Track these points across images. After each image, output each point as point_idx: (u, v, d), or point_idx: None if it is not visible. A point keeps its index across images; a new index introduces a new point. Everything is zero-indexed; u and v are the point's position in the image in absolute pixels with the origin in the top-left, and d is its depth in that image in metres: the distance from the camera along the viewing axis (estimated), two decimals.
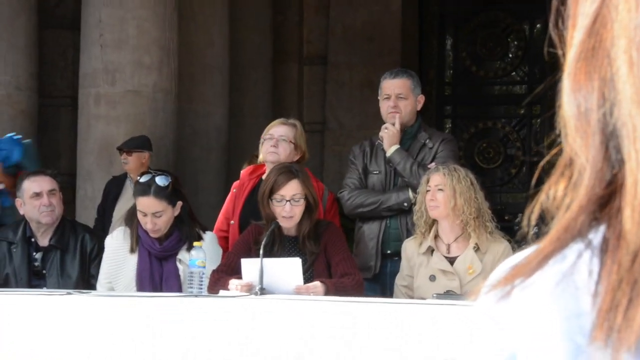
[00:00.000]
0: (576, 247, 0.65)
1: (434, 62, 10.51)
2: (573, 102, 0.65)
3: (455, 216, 4.24)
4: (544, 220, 0.68)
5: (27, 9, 7.24)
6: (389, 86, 4.86)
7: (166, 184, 4.42)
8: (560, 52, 0.68)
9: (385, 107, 4.85)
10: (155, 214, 4.37)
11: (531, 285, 0.67)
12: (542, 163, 0.72)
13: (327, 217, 4.70)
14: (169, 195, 4.41)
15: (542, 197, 0.67)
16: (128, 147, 6.43)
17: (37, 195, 4.74)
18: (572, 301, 0.65)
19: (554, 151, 0.68)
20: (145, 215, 4.38)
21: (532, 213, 0.68)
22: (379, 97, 4.95)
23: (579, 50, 0.65)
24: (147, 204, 4.38)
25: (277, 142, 4.76)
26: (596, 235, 0.65)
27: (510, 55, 10.80)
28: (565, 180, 0.66)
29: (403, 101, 4.83)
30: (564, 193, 0.66)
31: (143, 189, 4.42)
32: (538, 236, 0.72)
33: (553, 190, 0.66)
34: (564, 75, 0.67)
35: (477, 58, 10.68)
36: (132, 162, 6.41)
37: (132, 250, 4.46)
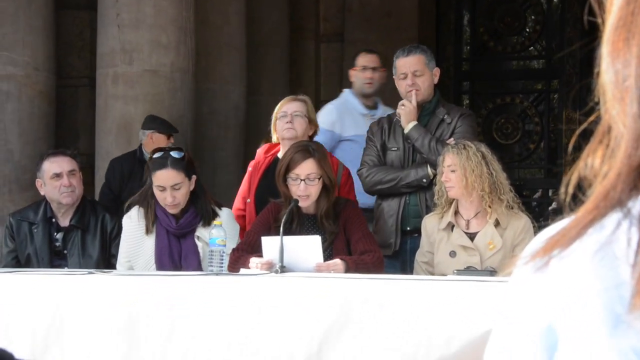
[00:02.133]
0: (615, 216, 0.65)
1: (451, 37, 10.45)
2: (611, 69, 0.65)
3: (468, 193, 4.23)
4: (580, 189, 0.68)
5: None
6: (403, 64, 4.82)
7: (182, 155, 4.45)
8: (599, 20, 0.67)
9: (403, 86, 4.82)
10: (174, 186, 4.38)
11: (569, 256, 0.67)
12: (578, 131, 0.70)
13: (342, 192, 4.69)
14: (186, 166, 4.44)
15: (580, 165, 0.66)
16: (171, 130, 6.44)
17: (57, 176, 4.76)
18: (611, 271, 0.64)
19: (591, 118, 0.67)
20: (163, 189, 4.38)
21: (570, 181, 0.68)
22: (393, 76, 4.92)
23: (618, 16, 0.64)
24: (166, 177, 4.38)
25: (292, 118, 4.76)
26: (635, 204, 0.64)
27: (528, 30, 10.71)
28: (603, 148, 0.65)
29: (420, 78, 4.81)
30: (601, 161, 0.65)
31: (160, 163, 4.43)
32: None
33: (591, 159, 0.66)
34: (603, 43, 0.66)
35: (495, 33, 10.61)
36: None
37: (147, 231, 4.47)
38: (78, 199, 4.82)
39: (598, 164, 0.65)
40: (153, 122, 6.48)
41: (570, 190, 0.68)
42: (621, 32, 0.64)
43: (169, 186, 4.37)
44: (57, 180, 4.76)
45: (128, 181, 6.45)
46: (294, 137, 4.70)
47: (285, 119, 4.76)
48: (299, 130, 4.76)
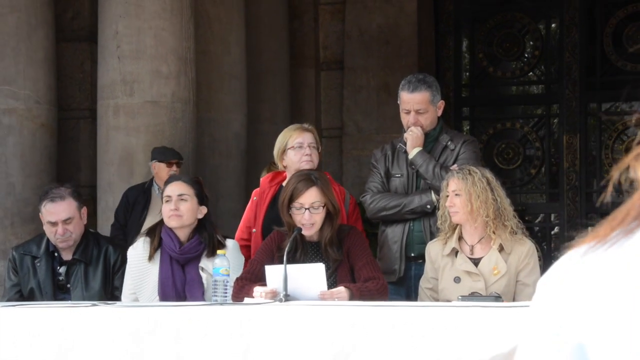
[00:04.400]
0: None
1: (450, 64, 10.48)
2: None
3: (473, 219, 4.23)
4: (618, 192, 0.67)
5: (44, 23, 7.27)
6: (407, 100, 4.79)
7: (193, 178, 4.67)
8: None
9: (405, 120, 4.83)
10: (181, 196, 4.43)
11: (598, 269, 0.66)
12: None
13: (350, 221, 4.69)
14: (196, 185, 4.53)
15: (618, 171, 0.66)
16: (175, 158, 6.48)
17: (52, 224, 4.73)
18: None
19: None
20: (169, 200, 4.43)
21: (608, 186, 0.67)
22: (398, 101, 4.92)
23: None
24: (174, 187, 4.49)
25: (310, 149, 4.75)
26: None
27: (527, 55, 10.74)
28: None
29: (423, 115, 4.79)
30: None
31: (173, 178, 4.66)
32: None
33: (633, 170, 0.65)
34: None
35: (494, 59, 10.63)
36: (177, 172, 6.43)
37: (149, 258, 4.48)
38: (76, 241, 4.79)
39: None
40: (153, 152, 6.53)
41: (609, 194, 0.67)
42: None
43: (175, 195, 4.42)
44: (53, 227, 4.74)
45: (132, 211, 6.49)
46: (312, 169, 4.70)
47: (303, 151, 4.74)
48: (316, 161, 4.78)
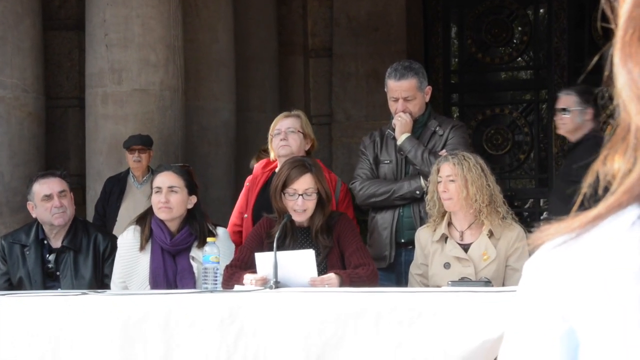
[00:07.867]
0: (634, 211, 0.64)
1: (439, 50, 10.48)
2: (623, 70, 0.65)
3: (468, 205, 4.22)
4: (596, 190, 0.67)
5: (31, 12, 7.24)
6: (395, 88, 4.79)
7: (184, 167, 4.62)
8: (612, 25, 0.67)
9: (393, 108, 4.82)
10: (171, 188, 4.42)
11: (585, 248, 0.66)
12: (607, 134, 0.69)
13: (341, 208, 4.69)
14: (186, 175, 4.51)
15: (599, 166, 0.66)
16: (137, 144, 6.46)
17: (48, 197, 4.73)
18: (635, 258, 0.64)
19: (620, 124, 0.66)
20: (159, 191, 4.42)
21: (589, 180, 0.67)
22: (385, 89, 4.92)
23: (628, 18, 0.64)
24: (164, 178, 4.47)
25: (285, 134, 4.75)
26: None
27: (515, 41, 10.76)
28: (622, 150, 0.65)
29: (411, 102, 4.79)
30: (622, 159, 0.65)
31: (163, 168, 4.61)
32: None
33: (610, 159, 0.65)
34: (614, 46, 0.66)
35: (483, 45, 10.64)
36: (145, 160, 6.48)
37: (141, 248, 4.47)
38: (70, 219, 4.80)
39: (619, 163, 0.65)
40: (134, 141, 6.55)
41: (585, 189, 0.67)
42: (632, 33, 0.64)
43: (166, 187, 4.41)
44: (48, 201, 4.74)
45: (109, 199, 6.53)
46: (290, 154, 4.69)
47: (280, 136, 4.75)
48: (294, 145, 4.75)
